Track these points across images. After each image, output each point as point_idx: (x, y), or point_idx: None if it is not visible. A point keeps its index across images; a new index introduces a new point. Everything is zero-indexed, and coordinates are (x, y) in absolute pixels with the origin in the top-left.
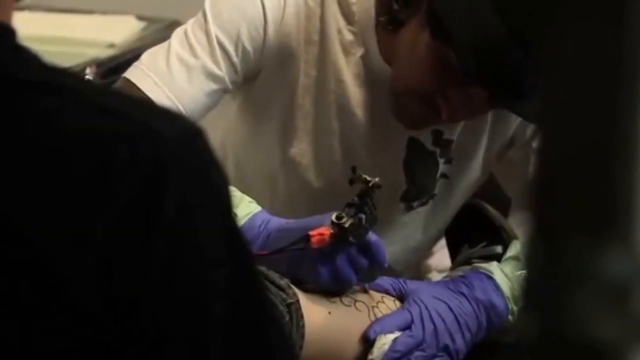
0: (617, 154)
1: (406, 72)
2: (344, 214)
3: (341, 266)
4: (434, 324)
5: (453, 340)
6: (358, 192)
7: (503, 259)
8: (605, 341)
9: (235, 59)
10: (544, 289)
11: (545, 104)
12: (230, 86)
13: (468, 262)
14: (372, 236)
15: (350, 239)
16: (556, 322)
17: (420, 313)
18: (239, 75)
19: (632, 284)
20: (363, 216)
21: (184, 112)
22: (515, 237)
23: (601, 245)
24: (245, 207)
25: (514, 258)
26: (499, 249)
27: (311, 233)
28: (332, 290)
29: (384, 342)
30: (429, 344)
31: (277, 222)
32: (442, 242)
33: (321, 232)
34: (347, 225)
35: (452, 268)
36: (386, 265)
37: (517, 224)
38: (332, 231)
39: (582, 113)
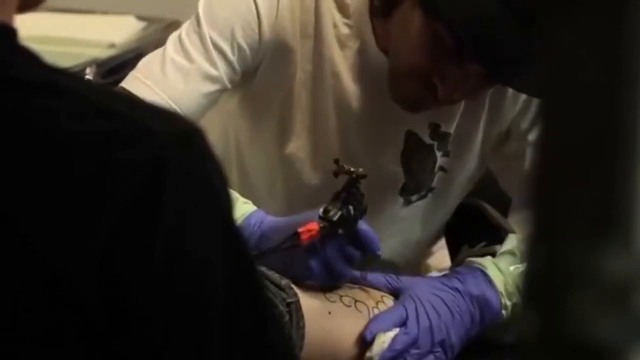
0: (617, 153)
1: (401, 52)
2: (330, 207)
3: (333, 259)
4: (429, 319)
5: (448, 335)
6: (344, 183)
7: (498, 253)
8: (605, 341)
9: (232, 57)
10: (544, 289)
11: (545, 102)
12: (228, 85)
13: None
14: (362, 224)
15: (340, 231)
16: (556, 322)
17: (416, 309)
18: (237, 74)
19: (632, 284)
20: (351, 207)
21: (181, 113)
22: None
23: (601, 245)
24: (240, 208)
25: (509, 252)
26: (498, 248)
27: (300, 230)
28: (328, 285)
29: (383, 340)
30: (424, 340)
31: (270, 221)
32: (442, 242)
33: (309, 227)
34: (335, 218)
35: (452, 268)
36: (380, 252)
37: (517, 224)
38: (321, 225)
39: (582, 111)
